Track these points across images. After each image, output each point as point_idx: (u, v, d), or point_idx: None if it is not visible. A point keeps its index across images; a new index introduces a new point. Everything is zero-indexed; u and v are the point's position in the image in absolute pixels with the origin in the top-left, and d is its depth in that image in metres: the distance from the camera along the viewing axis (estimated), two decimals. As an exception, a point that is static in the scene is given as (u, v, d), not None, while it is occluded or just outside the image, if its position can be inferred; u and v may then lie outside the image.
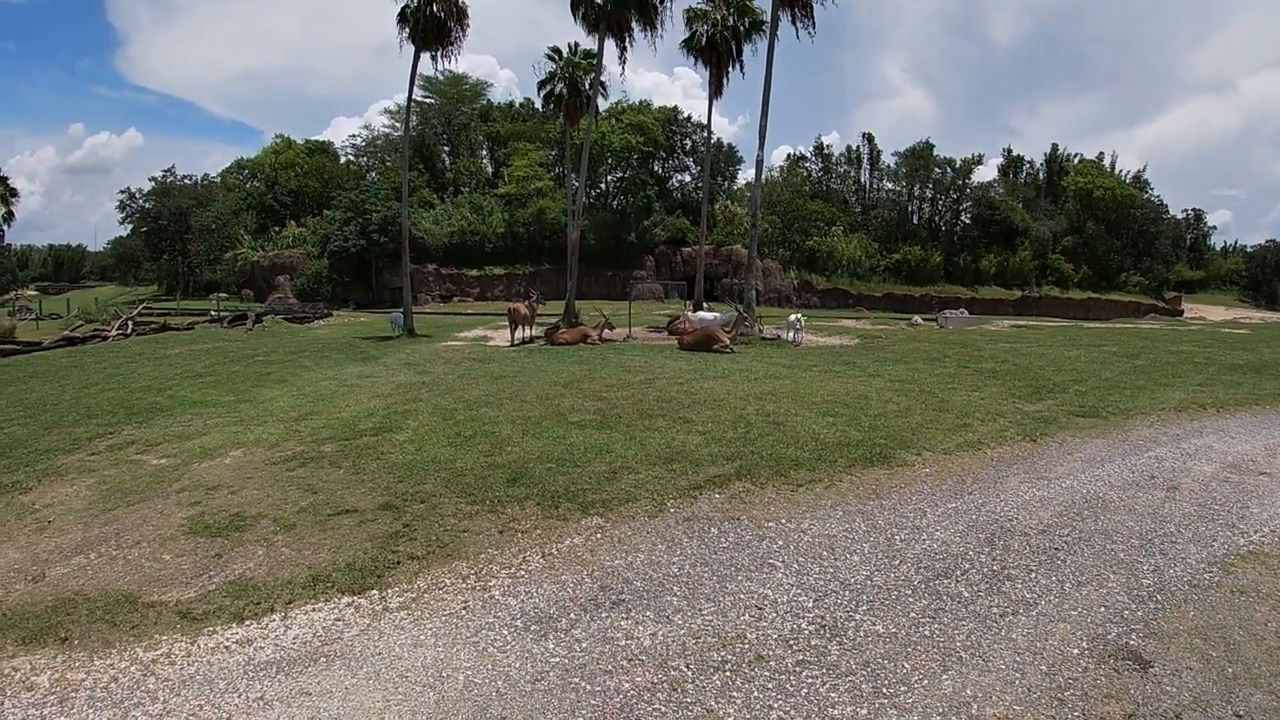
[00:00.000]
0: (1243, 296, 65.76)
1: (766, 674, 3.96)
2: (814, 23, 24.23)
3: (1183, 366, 15.42)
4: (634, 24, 25.45)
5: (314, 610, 4.70)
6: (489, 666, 4.06)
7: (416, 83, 25.20)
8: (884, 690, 3.81)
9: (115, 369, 15.56)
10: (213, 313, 32.52)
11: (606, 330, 20.99)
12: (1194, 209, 70.84)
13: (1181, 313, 52.85)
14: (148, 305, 38.69)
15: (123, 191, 59.89)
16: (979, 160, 55.62)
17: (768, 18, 24.39)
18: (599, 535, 5.82)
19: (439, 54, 23.37)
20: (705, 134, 40.04)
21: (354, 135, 62.73)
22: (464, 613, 4.65)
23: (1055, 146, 61.98)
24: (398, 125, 51.46)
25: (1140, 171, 62.11)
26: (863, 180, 57.45)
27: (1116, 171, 60.41)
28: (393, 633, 4.43)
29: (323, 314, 33.48)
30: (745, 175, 56.90)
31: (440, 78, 50.90)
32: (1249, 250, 73.17)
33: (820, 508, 6.43)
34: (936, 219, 56.35)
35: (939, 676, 3.93)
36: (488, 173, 53.91)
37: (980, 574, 5.17)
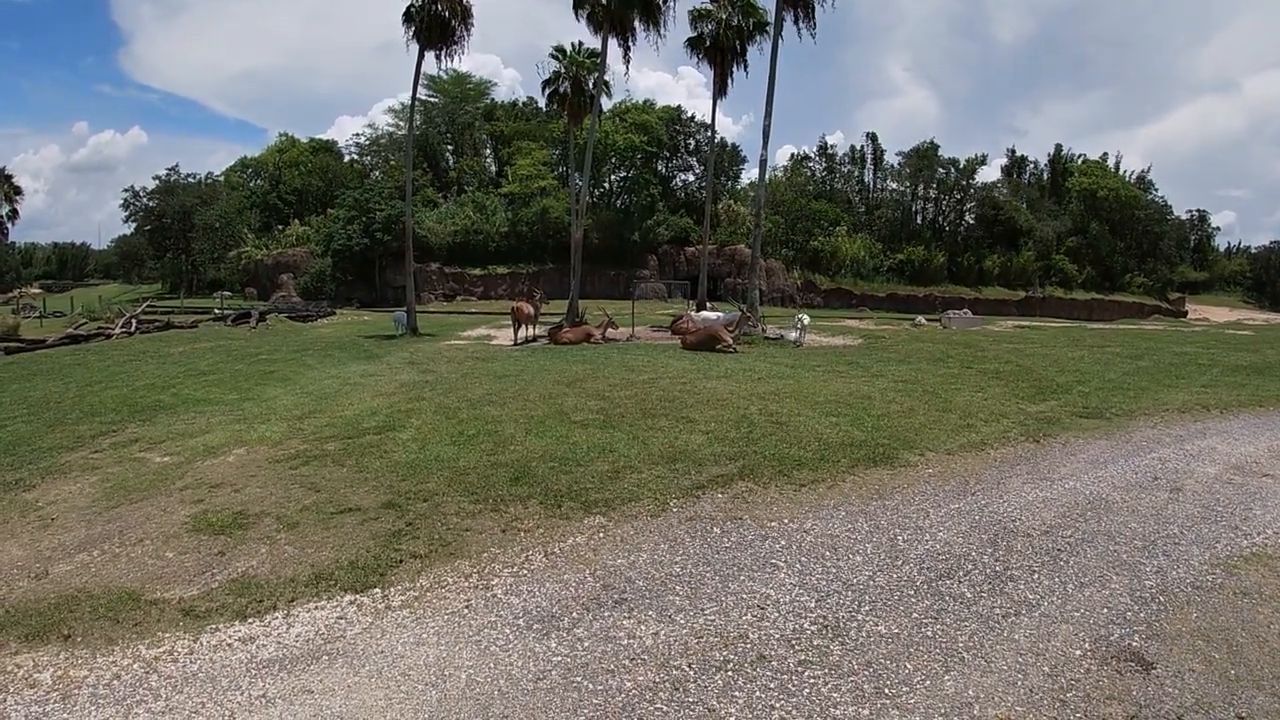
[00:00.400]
0: (1247, 298, 65.49)
1: (769, 674, 3.95)
2: (814, 23, 24.34)
3: (1186, 368, 15.38)
4: (637, 23, 25.48)
5: (317, 608, 4.70)
6: (491, 665, 4.06)
7: (421, 82, 25.25)
8: (886, 690, 3.80)
9: (119, 367, 15.60)
10: (216, 311, 32.60)
11: (610, 330, 20.99)
12: (1198, 210, 70.60)
13: (1185, 314, 52.64)
14: (151, 303, 38.75)
15: (127, 190, 60.09)
16: (983, 160, 55.54)
17: (771, 18, 24.44)
18: (601, 534, 5.82)
19: (443, 53, 23.38)
20: (709, 133, 40.12)
21: (358, 134, 62.96)
22: (466, 611, 4.66)
23: (1059, 147, 61.91)
24: (401, 124, 51.54)
25: (1144, 172, 61.98)
26: (866, 180, 57.37)
27: (1120, 172, 60.26)
28: (395, 631, 4.43)
29: (326, 313, 33.52)
30: (749, 175, 56.94)
31: (444, 77, 51.02)
32: (1253, 251, 72.88)
33: (823, 508, 6.42)
34: (940, 219, 56.25)
35: (941, 677, 3.93)
36: (491, 172, 53.91)
37: (983, 575, 5.16)
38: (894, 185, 56.65)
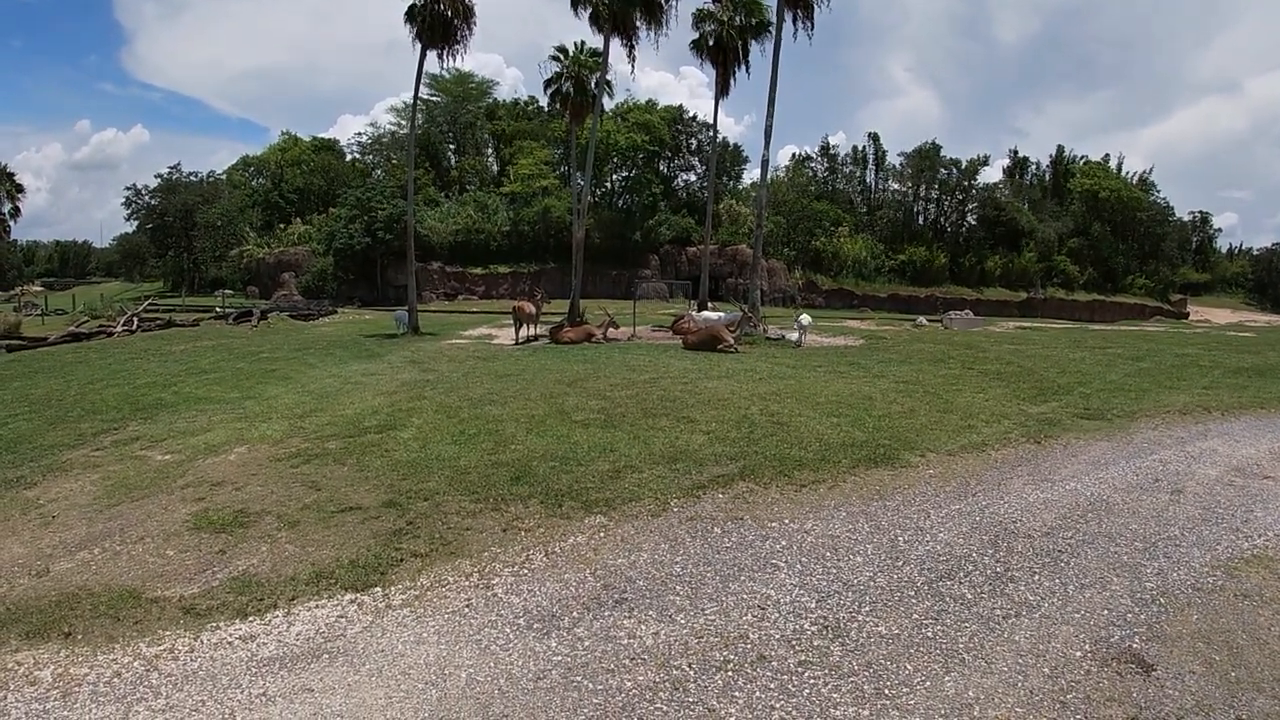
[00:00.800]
0: (1248, 299, 65.33)
1: (769, 674, 3.95)
2: (813, 24, 24.40)
3: (1188, 369, 15.37)
4: (639, 22, 25.47)
5: (317, 607, 4.71)
6: (491, 664, 4.06)
7: (423, 81, 25.30)
8: (886, 691, 3.80)
9: (120, 365, 15.61)
10: (218, 309, 32.59)
11: (611, 329, 21.00)
12: (1200, 211, 70.36)
13: (1187, 315, 52.59)
14: (153, 302, 38.72)
15: (129, 188, 59.84)
16: (985, 161, 55.51)
17: (774, 18, 24.46)
18: (602, 534, 5.83)
19: (445, 52, 23.41)
20: (711, 133, 40.08)
21: (360, 133, 62.83)
22: (467, 610, 4.66)
23: (1061, 148, 61.78)
24: (403, 123, 51.55)
25: (1146, 173, 61.88)
26: (868, 180, 57.34)
27: (1122, 173, 60.20)
28: (395, 630, 4.44)
29: (327, 311, 33.52)
30: (751, 175, 56.82)
31: (446, 76, 51.06)
32: (1255, 253, 72.68)
33: (824, 508, 6.42)
34: (942, 220, 56.21)
35: (941, 678, 3.93)
36: (493, 171, 53.92)
37: (983, 576, 5.16)
38: (896, 186, 56.62)
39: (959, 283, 51.89)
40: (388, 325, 24.67)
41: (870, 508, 6.45)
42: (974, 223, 55.58)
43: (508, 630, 4.42)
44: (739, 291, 39.01)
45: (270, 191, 51.39)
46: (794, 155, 58.91)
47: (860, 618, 4.55)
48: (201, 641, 4.33)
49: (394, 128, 55.00)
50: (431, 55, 23.46)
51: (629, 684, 3.87)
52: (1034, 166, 62.12)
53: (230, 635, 4.39)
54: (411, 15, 22.69)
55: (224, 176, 58.78)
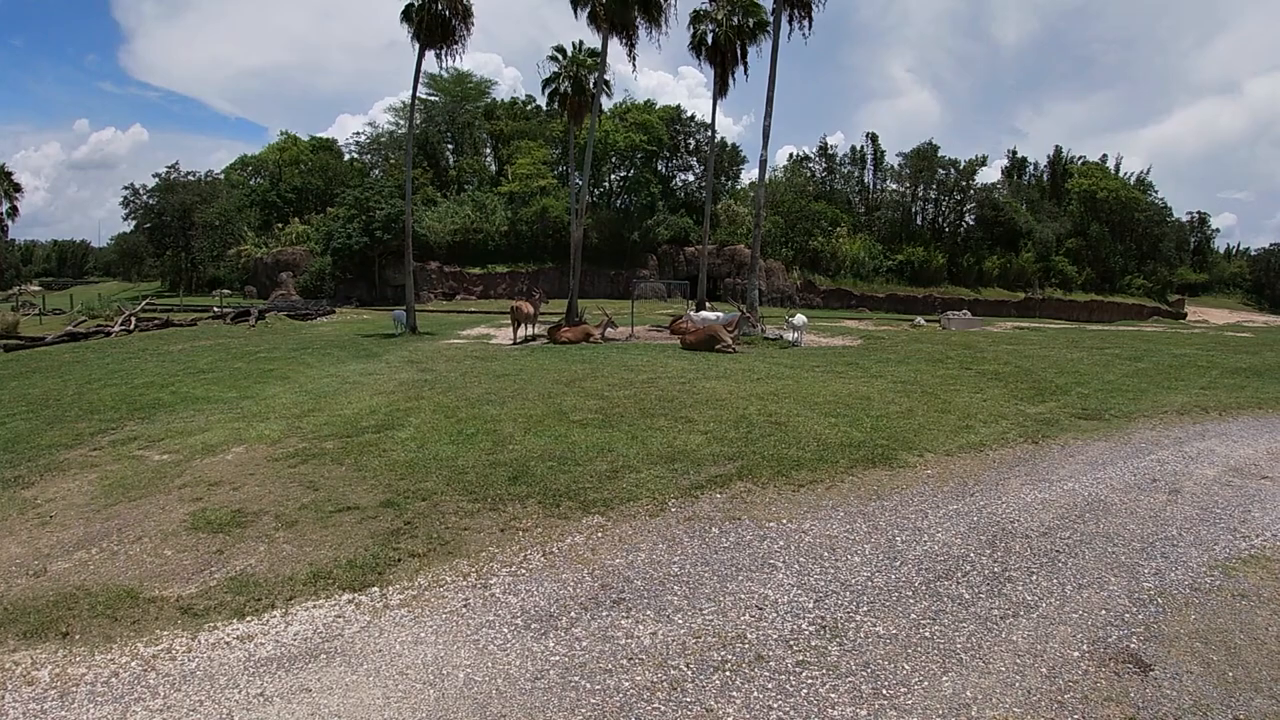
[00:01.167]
0: (1246, 300, 65.45)
1: (766, 674, 3.96)
2: (811, 24, 24.41)
3: (1185, 370, 15.39)
4: (638, 22, 25.46)
5: (315, 607, 4.70)
6: (489, 664, 4.06)
7: (421, 80, 25.27)
8: (884, 691, 3.81)
9: (118, 365, 15.59)
10: (216, 309, 32.54)
11: (609, 329, 21.00)
12: (1199, 212, 70.45)
13: (1185, 316, 52.68)
14: (151, 301, 38.67)
15: (127, 187, 59.86)
16: (983, 161, 55.48)
17: (771, 17, 24.47)
18: (600, 534, 5.83)
19: (443, 52, 23.39)
20: (709, 133, 40.00)
21: (358, 133, 62.89)
22: (464, 610, 4.66)
23: (1059, 148, 61.80)
24: (402, 123, 51.49)
25: (1144, 173, 61.98)
26: (866, 181, 57.30)
27: (1120, 173, 60.30)
28: (393, 630, 4.43)
29: (325, 311, 33.48)
30: (749, 175, 56.85)
31: (444, 75, 51.05)
32: (1253, 254, 72.82)
33: (821, 508, 6.42)
34: (940, 220, 56.20)
35: (939, 678, 3.93)
36: (491, 171, 53.87)
37: (981, 576, 5.16)
38: (894, 186, 56.59)
39: (957, 283, 51.91)
40: (386, 325, 24.66)
41: (868, 508, 6.46)
42: (972, 223, 55.61)
43: (505, 630, 4.42)
44: (737, 291, 39.01)
45: (268, 191, 51.29)
46: (792, 155, 58.93)
47: (858, 618, 4.56)
48: (199, 641, 4.32)
49: (392, 127, 54.96)
50: (430, 55, 23.47)
51: (627, 684, 3.87)
52: (1032, 167, 62.28)
53: (228, 635, 4.39)
54: (409, 15, 22.66)
55: (222, 176, 58.70)
